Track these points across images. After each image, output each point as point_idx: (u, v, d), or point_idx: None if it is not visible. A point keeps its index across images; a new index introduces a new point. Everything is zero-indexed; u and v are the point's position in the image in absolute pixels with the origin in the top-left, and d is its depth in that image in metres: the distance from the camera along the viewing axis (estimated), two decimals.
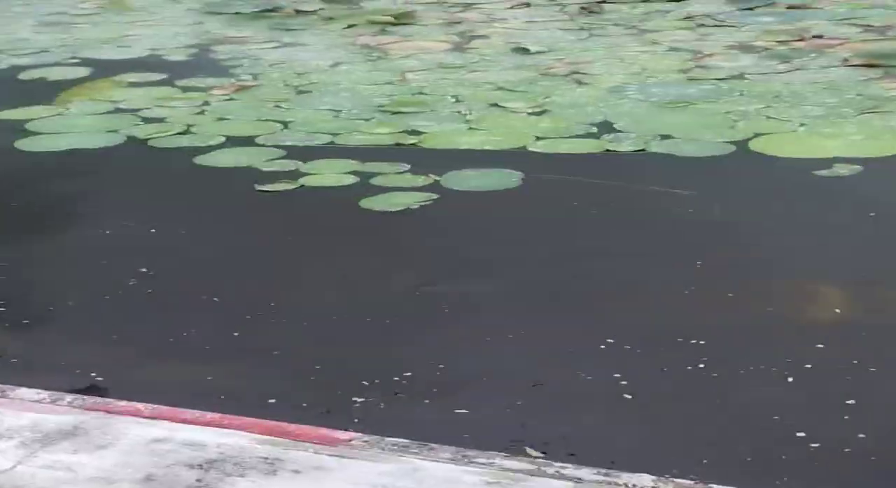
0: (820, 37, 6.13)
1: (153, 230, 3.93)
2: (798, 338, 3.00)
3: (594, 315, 3.24)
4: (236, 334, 3.15)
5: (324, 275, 3.56)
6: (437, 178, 4.30)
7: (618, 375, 2.82)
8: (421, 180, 4.30)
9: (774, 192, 4.10)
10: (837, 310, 3.16)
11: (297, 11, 7.48)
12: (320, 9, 7.53)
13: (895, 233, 3.70)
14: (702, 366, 2.86)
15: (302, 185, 4.30)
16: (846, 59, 5.62)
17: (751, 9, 6.94)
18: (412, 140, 4.81)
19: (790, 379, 2.77)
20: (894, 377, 2.78)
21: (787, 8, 6.90)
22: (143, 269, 3.57)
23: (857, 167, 4.21)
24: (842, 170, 4.20)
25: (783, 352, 2.91)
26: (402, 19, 7.13)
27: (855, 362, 2.84)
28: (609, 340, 3.00)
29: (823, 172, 4.20)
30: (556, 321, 3.20)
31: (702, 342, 2.98)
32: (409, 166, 4.44)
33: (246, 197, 4.22)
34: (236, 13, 7.43)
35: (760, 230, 3.77)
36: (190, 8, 7.63)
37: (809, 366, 2.84)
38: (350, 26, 7.01)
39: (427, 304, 3.32)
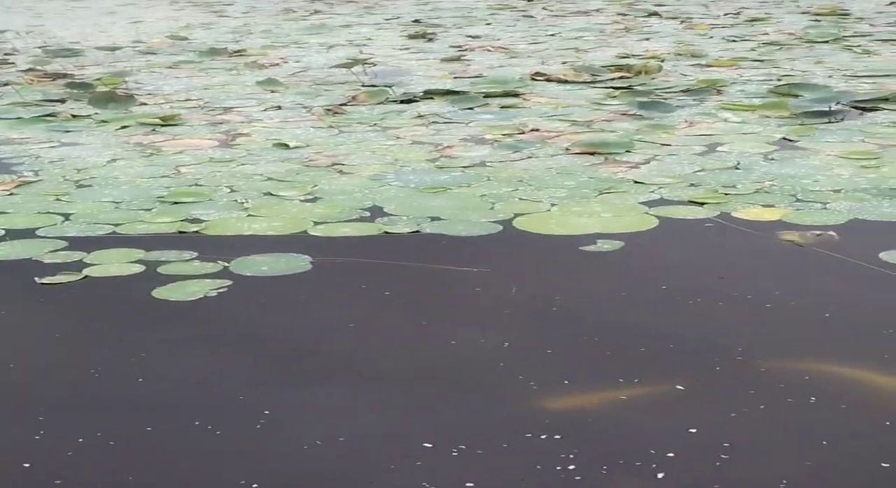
0: (537, 130, 5.39)
1: None
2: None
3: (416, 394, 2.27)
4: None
5: (121, 365, 2.45)
6: (227, 265, 3.26)
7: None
8: (210, 267, 3.25)
9: (554, 267, 3.26)
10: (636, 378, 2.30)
11: (74, 116, 6.25)
12: (95, 113, 6.33)
13: (686, 300, 2.88)
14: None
15: (86, 276, 3.17)
16: (568, 148, 4.90)
17: (471, 108, 6.20)
18: (195, 228, 3.74)
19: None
20: None
21: (501, 107, 6.18)
22: None
23: (619, 242, 3.42)
24: (605, 245, 3.40)
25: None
26: (170, 121, 6.04)
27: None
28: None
29: (590, 248, 3.39)
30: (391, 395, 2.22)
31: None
32: (196, 254, 3.38)
33: (26, 290, 3.05)
34: (18, 118, 6.14)
35: (553, 304, 2.90)
36: None
37: None
38: (123, 127, 5.86)
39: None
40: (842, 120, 5.15)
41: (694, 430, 2.10)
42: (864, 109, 5.39)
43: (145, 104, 6.76)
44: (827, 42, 7.79)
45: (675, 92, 6.09)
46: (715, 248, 3.37)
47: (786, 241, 3.30)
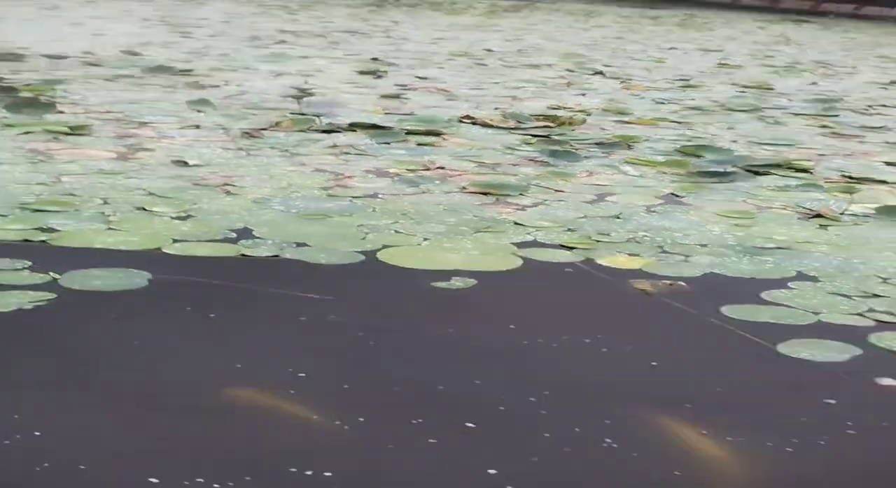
0: (443, 168, 5.30)
1: None
2: None
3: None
4: None
5: None
6: (57, 277, 3.11)
7: None
8: (39, 278, 3.10)
9: (396, 301, 3.13)
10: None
11: None
12: (3, 117, 6.18)
13: (515, 340, 2.75)
14: None
15: None
16: (464, 187, 4.80)
17: (388, 143, 6.10)
18: (42, 237, 3.59)
19: None
20: None
21: (417, 144, 6.09)
22: None
23: (472, 280, 3.30)
24: (458, 282, 3.28)
25: None
26: (78, 130, 5.90)
27: None
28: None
29: (441, 284, 3.26)
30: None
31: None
32: (30, 263, 3.23)
33: None
34: None
35: (373, 336, 2.76)
36: None
37: None
38: (26, 133, 5.70)
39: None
40: (731, 181, 5.15)
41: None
42: (755, 173, 5.42)
43: (62, 112, 6.62)
44: (745, 111, 7.90)
45: (588, 143, 6.05)
46: (566, 292, 3.26)
47: (637, 290, 3.19)
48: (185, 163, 5.14)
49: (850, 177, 5.44)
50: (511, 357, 2.67)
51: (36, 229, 3.66)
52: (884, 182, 5.37)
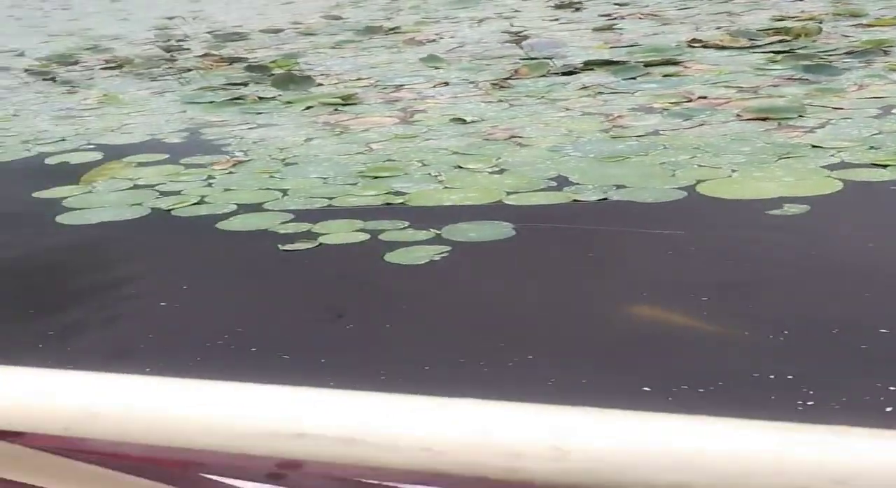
0: (705, 97, 5.59)
1: (197, 287, 3.17)
2: None
3: None
4: None
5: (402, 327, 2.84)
6: (438, 232, 3.62)
7: None
8: (423, 235, 3.62)
9: (742, 230, 3.50)
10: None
11: (260, 98, 6.74)
12: (278, 95, 6.80)
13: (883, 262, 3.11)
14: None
15: (321, 243, 3.57)
16: (739, 115, 5.08)
17: (634, 78, 6.41)
18: (399, 200, 4.11)
19: None
20: None
21: (663, 76, 6.38)
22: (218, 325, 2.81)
23: (805, 206, 3.63)
24: (792, 208, 3.62)
25: None
26: (349, 100, 6.45)
27: None
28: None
29: (775, 211, 3.61)
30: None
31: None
32: (407, 223, 3.75)
33: (273, 256, 3.48)
34: (211, 102, 6.65)
35: (772, 261, 3.16)
36: (171, 100, 6.82)
37: None
38: (308, 108, 6.30)
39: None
40: None
41: None
42: None
43: (321, 84, 7.20)
44: None
45: (839, 54, 6.17)
46: None
47: None
48: (463, 121, 5.60)
49: None
50: (884, 273, 3.02)
51: (388, 193, 4.19)
52: None
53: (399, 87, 6.89)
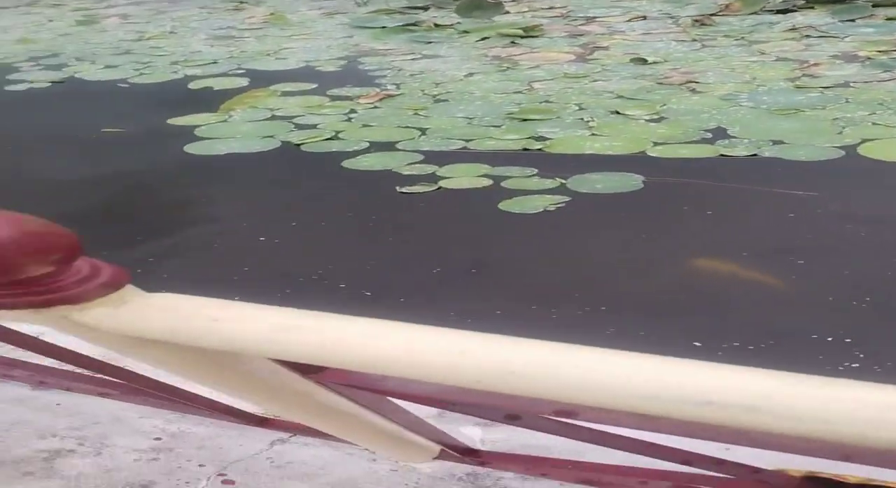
0: None
1: (306, 227, 3.74)
2: None
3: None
4: None
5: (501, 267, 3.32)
6: (564, 182, 4.04)
7: None
8: (548, 183, 4.05)
9: (883, 197, 3.76)
10: None
11: (436, 25, 7.26)
12: (457, 22, 7.31)
13: None
14: None
15: (440, 187, 4.07)
16: None
17: (852, 20, 6.55)
18: (538, 146, 4.54)
19: None
20: None
21: (887, 19, 6.47)
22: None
23: None
24: None
25: None
26: (531, 32, 6.88)
27: None
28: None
29: None
30: None
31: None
32: (536, 170, 4.19)
33: (389, 198, 4.01)
34: (382, 27, 7.23)
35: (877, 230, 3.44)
36: (341, 23, 7.45)
37: None
38: (483, 39, 6.77)
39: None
40: None
41: None
42: None
43: (508, 12, 7.66)
44: None
45: None
46: None
47: None
48: (645, 61, 5.94)
49: None
50: None
51: (529, 138, 4.63)
52: None
53: (590, 20, 7.26)
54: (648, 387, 0.60)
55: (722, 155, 4.29)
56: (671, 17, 7.15)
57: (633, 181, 4.05)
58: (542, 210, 3.81)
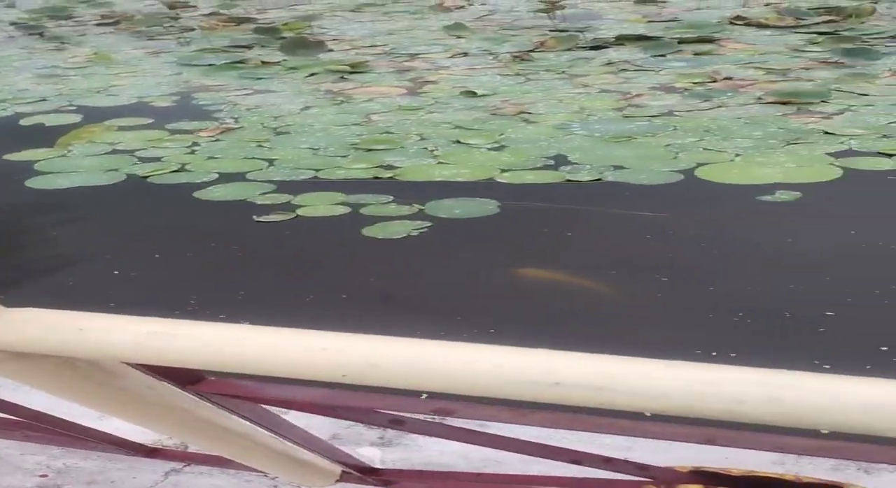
0: (730, 78, 5.92)
1: (168, 257, 3.57)
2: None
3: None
4: None
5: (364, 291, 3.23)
6: (422, 208, 4.00)
7: None
8: (406, 210, 4.00)
9: (725, 216, 3.85)
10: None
11: (263, 62, 7.14)
12: (283, 60, 7.21)
13: (873, 247, 3.44)
14: None
15: (298, 216, 3.97)
16: (760, 98, 5.42)
17: (663, 55, 6.76)
18: (389, 174, 4.49)
19: None
20: None
21: (694, 54, 6.71)
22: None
23: (797, 193, 3.97)
24: (783, 195, 3.96)
25: None
26: (358, 68, 6.84)
27: None
28: None
29: (766, 197, 3.95)
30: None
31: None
32: (391, 197, 4.14)
33: (247, 227, 3.88)
34: (210, 65, 7.07)
35: (735, 248, 3.51)
36: (167, 61, 7.25)
37: None
38: (312, 74, 6.70)
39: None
40: None
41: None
42: None
43: (332, 50, 7.60)
44: None
45: (884, 37, 6.47)
46: (892, 202, 3.88)
47: None
48: (474, 94, 5.97)
49: None
50: (858, 261, 3.36)
51: (378, 167, 4.57)
52: None
53: (414, 56, 7.27)
54: (502, 373, 0.65)
55: (568, 180, 4.33)
56: (491, 54, 7.23)
57: (489, 206, 4.04)
58: (405, 235, 3.75)
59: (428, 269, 3.48)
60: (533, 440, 1.20)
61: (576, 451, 1.28)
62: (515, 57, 7.07)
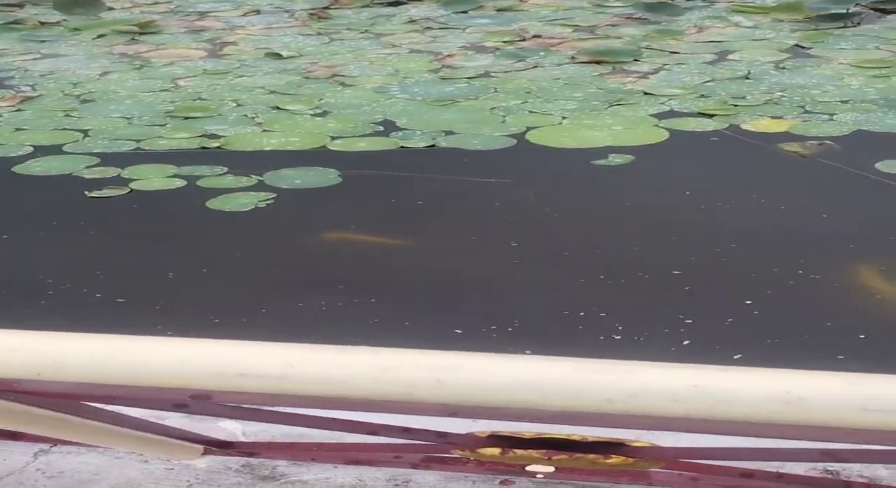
0: (539, 36, 6.18)
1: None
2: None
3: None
4: None
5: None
6: (261, 179, 4.07)
7: None
8: (245, 181, 4.05)
9: (568, 182, 4.08)
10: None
11: (41, 23, 6.93)
12: (63, 20, 7.02)
13: (708, 207, 3.73)
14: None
15: (132, 190, 3.96)
16: (573, 57, 5.69)
17: (465, 12, 6.95)
18: (216, 144, 4.53)
19: None
20: None
21: (497, 10, 6.93)
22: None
23: (629, 156, 4.23)
24: (617, 159, 4.22)
25: None
26: (147, 28, 6.74)
27: None
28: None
29: (601, 161, 4.20)
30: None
31: None
32: (226, 168, 4.18)
33: (80, 203, 3.85)
34: None
35: (578, 213, 3.75)
36: None
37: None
38: (100, 36, 6.57)
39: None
40: (858, 24, 5.92)
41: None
42: (883, 11, 6.14)
43: (112, 8, 7.44)
44: None
45: None
46: (723, 160, 4.21)
47: (789, 152, 4.15)
48: (280, 56, 6.00)
49: None
50: (694, 220, 3.65)
51: (202, 136, 4.58)
52: None
53: (203, 15, 7.21)
54: (188, 365, 0.76)
55: (402, 147, 4.47)
56: (286, 11, 7.25)
57: (329, 175, 4.14)
58: (253, 207, 3.82)
59: (278, 242, 3.57)
60: (331, 416, 1.28)
61: (373, 424, 1.37)
62: (312, 14, 7.12)
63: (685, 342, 2.83)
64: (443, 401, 0.72)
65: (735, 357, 2.79)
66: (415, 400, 0.72)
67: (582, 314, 3.02)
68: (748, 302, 3.06)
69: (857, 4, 6.22)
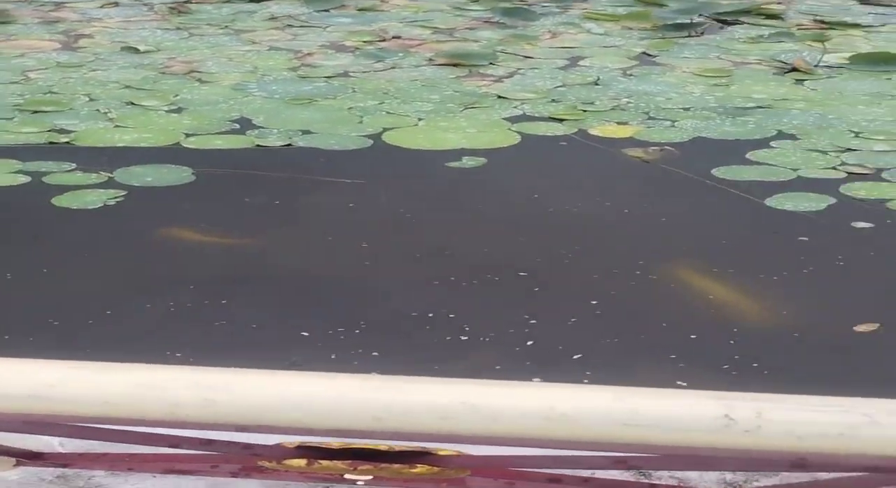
0: (399, 37, 6.26)
1: None
2: None
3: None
4: None
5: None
6: (111, 175, 4.06)
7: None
8: (94, 178, 4.05)
9: (422, 183, 4.17)
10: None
11: None
12: None
13: (556, 211, 3.85)
14: None
15: None
16: (431, 59, 5.78)
17: (326, 10, 6.99)
18: (64, 139, 4.50)
19: None
20: None
21: (358, 10, 6.99)
22: None
23: (482, 159, 4.33)
24: (470, 161, 4.32)
25: None
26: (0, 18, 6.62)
27: None
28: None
29: (454, 163, 4.30)
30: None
31: None
32: (74, 165, 4.17)
33: None
34: None
35: (430, 215, 3.84)
36: None
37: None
38: None
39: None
40: (702, 34, 6.19)
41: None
42: (724, 22, 6.44)
43: None
44: None
45: None
46: (570, 164, 4.34)
47: (633, 157, 4.31)
48: (137, 50, 5.97)
49: (823, 22, 6.49)
50: (541, 223, 3.77)
51: (51, 131, 4.55)
52: (857, 25, 6.43)
53: (60, 5, 7.12)
54: None
55: (258, 145, 4.50)
56: (145, 5, 7.20)
57: (183, 173, 4.15)
58: (102, 205, 3.81)
59: (129, 240, 3.58)
60: (128, 428, 1.23)
61: (175, 437, 1.35)
62: (172, 9, 7.08)
63: (528, 342, 2.94)
64: (211, 420, 0.74)
65: (574, 357, 2.91)
66: (180, 420, 0.73)
67: (430, 315, 3.10)
68: (593, 302, 3.19)
69: (700, 15, 6.46)
